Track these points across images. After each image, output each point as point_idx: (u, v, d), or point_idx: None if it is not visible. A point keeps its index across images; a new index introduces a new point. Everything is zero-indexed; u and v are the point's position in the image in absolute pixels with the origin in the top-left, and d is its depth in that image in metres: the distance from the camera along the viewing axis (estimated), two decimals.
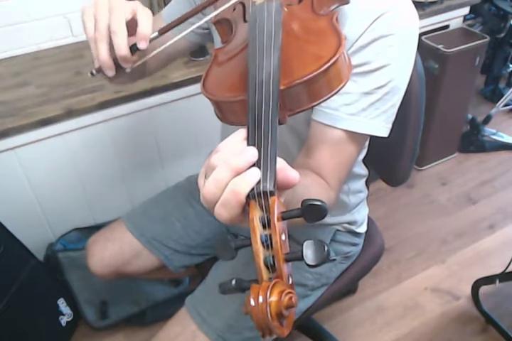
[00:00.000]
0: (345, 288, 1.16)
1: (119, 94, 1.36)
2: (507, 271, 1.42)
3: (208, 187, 0.44)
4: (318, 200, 0.43)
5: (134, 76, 0.92)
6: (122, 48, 0.63)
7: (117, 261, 1.12)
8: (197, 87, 1.46)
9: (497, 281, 1.47)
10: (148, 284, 1.56)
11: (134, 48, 0.65)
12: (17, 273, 1.36)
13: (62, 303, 1.50)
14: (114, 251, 1.12)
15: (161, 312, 1.53)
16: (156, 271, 1.18)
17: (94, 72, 0.70)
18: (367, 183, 1.09)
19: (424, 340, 1.55)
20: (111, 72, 0.67)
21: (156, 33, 0.66)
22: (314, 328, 1.51)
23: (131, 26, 0.64)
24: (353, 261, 1.10)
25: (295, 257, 0.42)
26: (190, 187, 1.18)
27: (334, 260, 1.05)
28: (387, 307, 1.65)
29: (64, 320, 1.50)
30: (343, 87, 0.51)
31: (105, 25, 0.63)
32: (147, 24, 0.64)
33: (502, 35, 2.30)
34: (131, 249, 1.12)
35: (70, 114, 1.32)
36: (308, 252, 0.41)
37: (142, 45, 0.64)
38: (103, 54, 0.64)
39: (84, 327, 1.56)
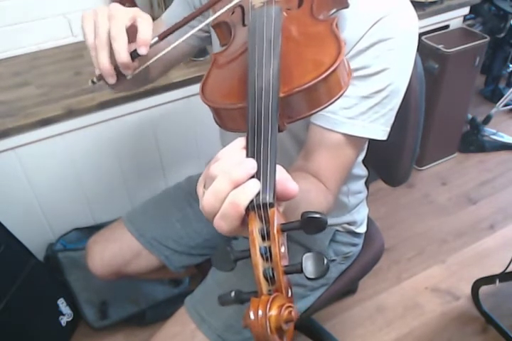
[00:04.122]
0: (345, 288, 1.16)
1: (119, 94, 1.36)
2: (507, 271, 1.42)
3: (207, 199, 0.44)
4: (318, 213, 0.42)
5: (137, 83, 0.92)
6: (123, 54, 0.62)
7: (117, 261, 1.12)
8: (197, 87, 1.45)
9: (497, 281, 1.47)
10: (148, 284, 1.56)
11: (134, 54, 0.64)
12: (17, 273, 1.36)
13: (62, 303, 1.50)
14: (114, 251, 1.12)
15: (161, 312, 1.53)
16: (156, 271, 1.18)
17: (95, 80, 0.69)
18: (367, 184, 1.09)
19: (424, 340, 1.55)
20: (112, 80, 0.66)
21: (156, 38, 0.66)
22: (314, 328, 1.51)
23: (132, 33, 0.64)
24: (352, 261, 1.10)
25: (294, 270, 0.42)
26: (189, 188, 1.18)
27: (334, 260, 1.05)
28: (387, 307, 1.65)
29: (64, 320, 1.50)
30: (343, 94, 0.51)
31: (105, 31, 0.62)
32: (147, 30, 0.64)
33: (502, 35, 2.30)
34: (131, 250, 1.12)
35: (70, 114, 1.32)
36: (308, 265, 0.41)
37: (142, 51, 0.64)
38: (104, 61, 0.63)
39: (84, 327, 1.56)
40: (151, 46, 0.65)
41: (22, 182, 1.39)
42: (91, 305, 1.52)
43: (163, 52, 0.67)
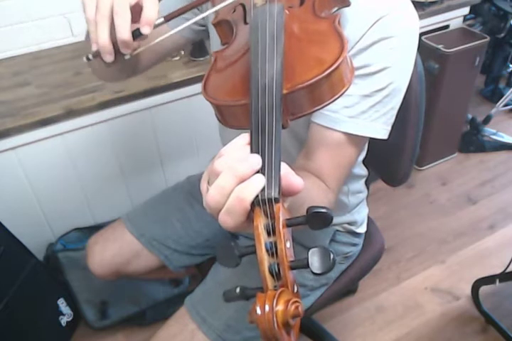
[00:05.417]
0: (345, 288, 1.16)
1: (119, 94, 1.36)
2: (507, 271, 1.42)
3: (211, 194, 0.43)
4: (324, 207, 0.42)
5: (126, 71, 0.89)
6: (124, 31, 0.59)
7: (117, 261, 1.12)
8: (197, 87, 1.46)
9: (497, 281, 1.47)
10: (148, 284, 1.56)
11: (136, 33, 0.61)
12: (17, 273, 1.36)
13: (62, 303, 1.50)
14: (114, 251, 1.12)
15: (161, 312, 1.53)
16: (156, 271, 1.18)
17: (90, 56, 0.65)
18: (367, 183, 1.09)
19: (424, 340, 1.55)
20: (110, 57, 0.62)
21: (161, 19, 0.63)
22: (314, 328, 1.51)
23: (135, 13, 0.61)
24: (352, 261, 1.10)
25: (300, 265, 0.41)
26: (190, 187, 1.18)
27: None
28: (387, 307, 1.65)
29: (64, 320, 1.50)
30: (345, 91, 0.51)
31: (108, 5, 0.59)
32: (153, 9, 0.61)
33: (502, 35, 2.30)
34: (131, 249, 1.12)
35: (70, 114, 1.32)
36: (314, 260, 0.41)
37: (146, 30, 0.60)
38: (103, 36, 0.60)
39: (84, 327, 1.56)
40: (155, 26, 0.62)
41: (22, 182, 1.39)
42: (91, 305, 1.52)
43: (163, 37, 0.65)
